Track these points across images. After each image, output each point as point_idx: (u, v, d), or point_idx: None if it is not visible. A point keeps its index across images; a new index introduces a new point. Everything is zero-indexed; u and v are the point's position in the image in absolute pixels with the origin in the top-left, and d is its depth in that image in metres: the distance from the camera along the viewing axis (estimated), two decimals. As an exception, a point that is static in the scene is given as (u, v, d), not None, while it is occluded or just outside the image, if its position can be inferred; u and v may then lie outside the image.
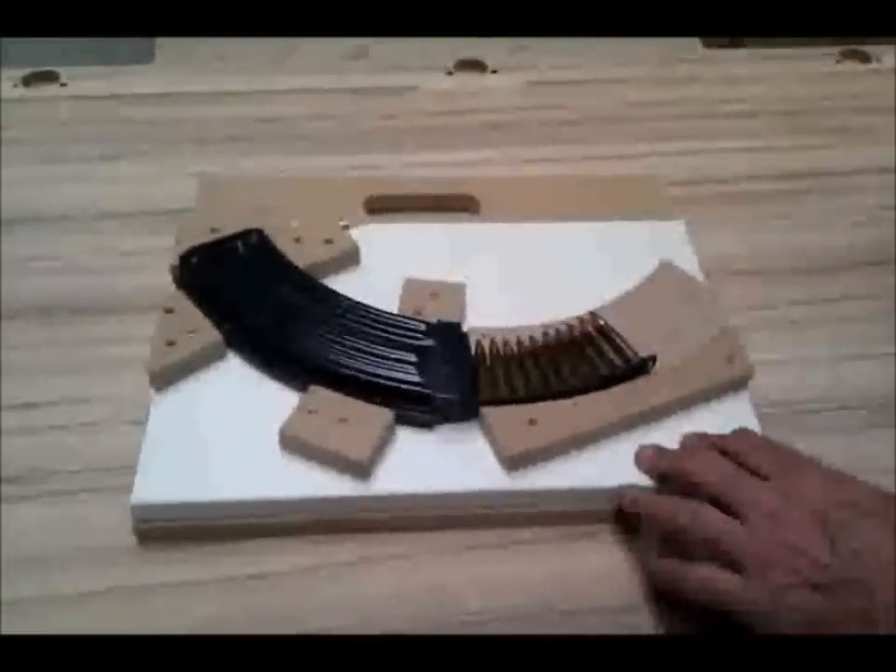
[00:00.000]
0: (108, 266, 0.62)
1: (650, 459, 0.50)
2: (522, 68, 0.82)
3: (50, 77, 0.78)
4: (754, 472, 0.46)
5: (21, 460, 0.52)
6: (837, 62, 0.85)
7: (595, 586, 0.48)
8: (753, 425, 0.52)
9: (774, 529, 0.42)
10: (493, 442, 0.50)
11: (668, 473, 0.48)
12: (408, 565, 0.48)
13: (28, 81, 0.78)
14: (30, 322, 0.59)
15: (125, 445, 0.51)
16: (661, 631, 0.46)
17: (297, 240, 0.59)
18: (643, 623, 0.47)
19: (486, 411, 0.51)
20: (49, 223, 0.65)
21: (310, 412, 0.50)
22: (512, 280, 0.60)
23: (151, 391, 0.52)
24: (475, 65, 0.82)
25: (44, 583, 0.47)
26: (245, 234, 0.59)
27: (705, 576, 0.43)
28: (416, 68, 0.81)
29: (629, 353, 0.54)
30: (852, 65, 0.85)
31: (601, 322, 0.55)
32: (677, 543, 0.46)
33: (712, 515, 0.44)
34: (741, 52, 0.85)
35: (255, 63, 0.81)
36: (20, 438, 0.53)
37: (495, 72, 0.82)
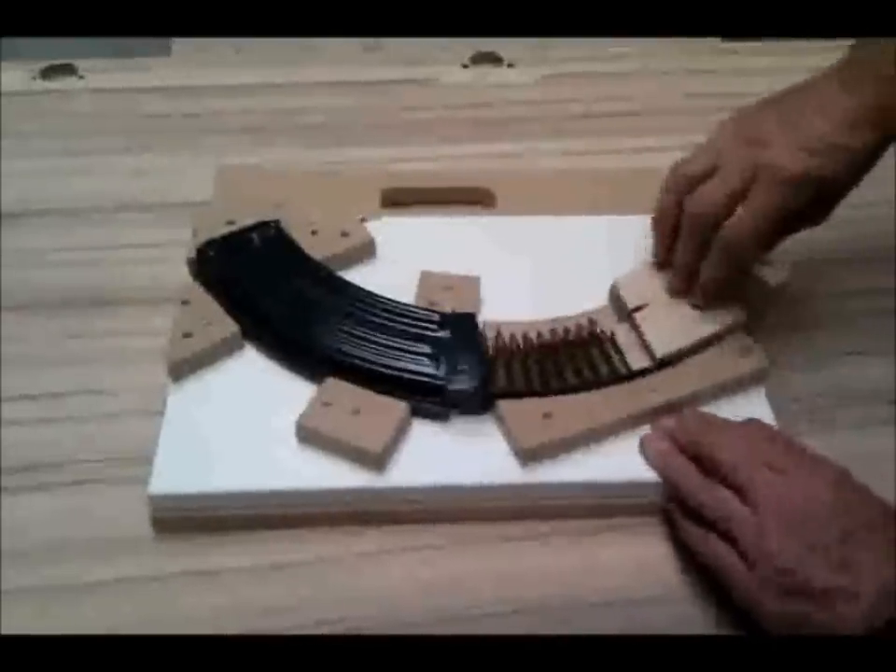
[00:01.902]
0: (126, 258, 0.63)
1: (667, 427, 0.51)
2: (538, 61, 0.82)
3: (68, 70, 0.79)
4: (768, 464, 0.46)
5: (36, 450, 0.52)
6: None
7: (609, 579, 0.48)
8: (769, 419, 0.52)
9: (782, 530, 0.43)
10: (508, 435, 0.50)
11: (690, 447, 0.49)
12: (423, 556, 0.49)
13: (46, 74, 0.78)
14: (48, 313, 0.59)
15: (142, 435, 0.51)
16: (677, 623, 0.47)
17: (313, 232, 0.59)
18: (659, 616, 0.47)
19: (501, 403, 0.51)
20: (67, 216, 0.66)
21: (326, 403, 0.50)
22: (528, 273, 0.60)
23: (168, 382, 0.53)
24: (491, 59, 0.83)
25: (58, 572, 0.47)
26: (261, 226, 0.59)
27: (715, 550, 0.45)
28: (433, 61, 0.81)
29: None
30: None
31: (598, 330, 0.55)
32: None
33: (730, 502, 0.45)
34: (758, 45, 0.84)
35: (272, 56, 0.81)
36: (36, 427, 0.53)
37: (511, 65, 0.82)
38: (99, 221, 0.65)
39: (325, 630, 0.46)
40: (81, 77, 0.78)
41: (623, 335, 0.55)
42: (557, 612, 0.47)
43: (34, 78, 0.78)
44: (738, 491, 0.45)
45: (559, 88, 0.80)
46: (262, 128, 0.74)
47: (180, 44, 0.81)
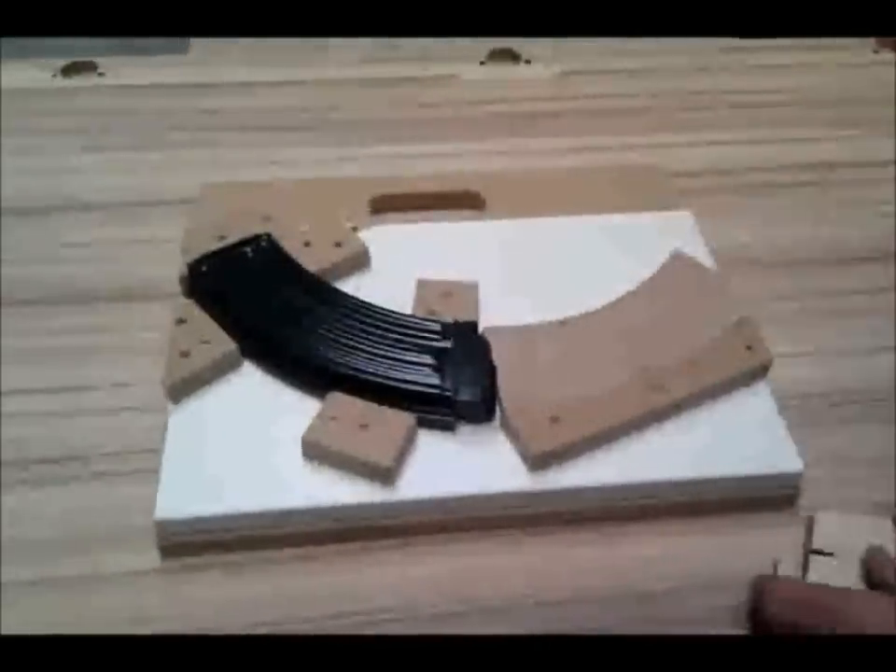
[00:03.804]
0: (144, 253, 0.63)
1: None
2: (555, 58, 0.82)
3: (88, 68, 0.80)
4: None
5: (49, 443, 0.52)
6: (874, 52, 0.84)
7: (623, 575, 0.48)
8: (773, 414, 0.52)
9: None
10: (516, 442, 0.50)
11: None
12: (437, 557, 0.48)
13: (67, 71, 0.79)
14: (65, 308, 0.59)
15: (155, 429, 0.51)
16: (691, 616, 0.47)
17: (306, 244, 0.59)
18: (674, 610, 0.47)
19: (508, 410, 0.51)
20: (85, 211, 0.66)
21: (331, 418, 0.50)
22: (523, 277, 0.59)
23: (168, 404, 0.52)
24: (509, 55, 0.83)
25: (70, 565, 0.47)
26: (253, 240, 0.58)
27: None
28: (450, 58, 0.82)
29: None
30: (890, 56, 0.84)
31: None
32: None
33: None
34: (776, 42, 0.84)
35: (288, 54, 0.82)
36: (49, 421, 0.53)
37: (528, 62, 0.82)
38: (117, 217, 0.66)
39: (341, 622, 0.46)
40: (101, 75, 0.79)
41: None
42: (571, 607, 0.47)
43: (53, 76, 0.79)
44: None
45: (576, 84, 0.80)
46: (278, 125, 0.75)
47: (197, 41, 0.82)
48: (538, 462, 0.49)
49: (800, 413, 0.53)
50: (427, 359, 0.52)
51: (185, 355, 0.52)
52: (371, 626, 0.45)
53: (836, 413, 0.55)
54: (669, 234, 0.62)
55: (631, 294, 0.57)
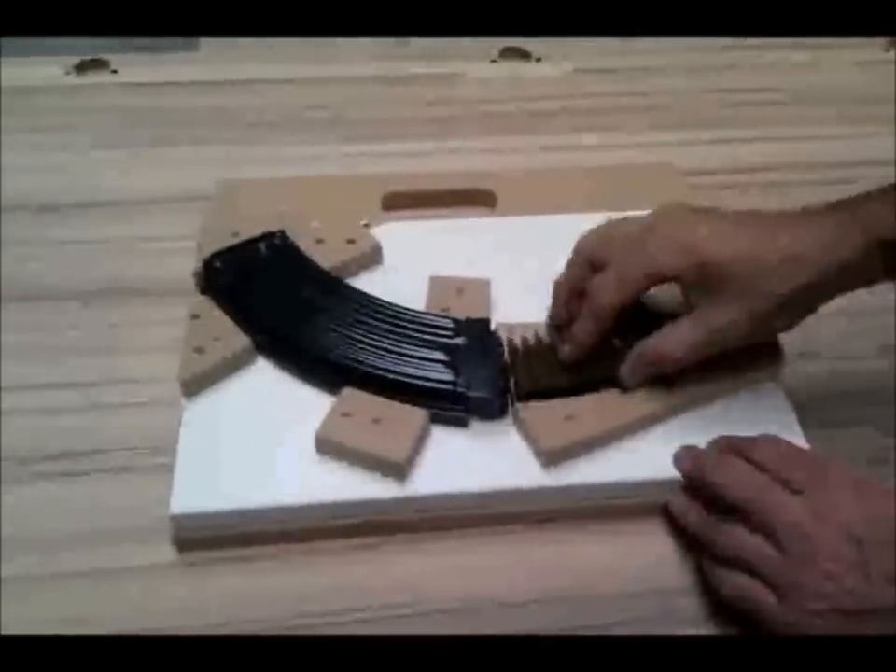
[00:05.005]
0: (155, 249, 0.63)
1: (679, 463, 0.49)
2: (565, 57, 0.82)
3: (101, 65, 0.80)
4: (784, 484, 0.44)
5: (67, 438, 0.52)
6: (886, 50, 0.84)
7: (635, 571, 0.48)
8: (787, 412, 0.52)
9: (806, 552, 0.41)
10: (529, 439, 0.50)
11: (697, 483, 0.47)
12: (448, 554, 0.49)
13: (80, 69, 0.80)
14: (79, 304, 0.60)
15: (169, 425, 0.51)
16: (704, 613, 0.46)
17: (319, 241, 0.59)
18: (686, 606, 0.47)
19: (521, 407, 0.51)
20: (97, 208, 0.67)
21: (344, 414, 0.50)
22: (535, 274, 0.59)
23: (182, 399, 0.52)
24: (519, 53, 0.83)
25: (87, 559, 0.47)
26: (267, 237, 0.58)
27: (739, 586, 0.43)
28: (461, 56, 0.82)
29: None
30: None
31: None
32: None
33: (744, 536, 0.44)
34: (786, 41, 0.84)
35: (299, 52, 0.82)
36: (66, 416, 0.53)
37: (539, 60, 0.82)
38: (129, 213, 0.66)
39: (347, 617, 0.46)
40: (114, 72, 0.80)
41: None
42: (580, 603, 0.47)
43: (67, 73, 0.80)
44: (757, 525, 0.43)
45: (587, 83, 0.80)
46: (289, 122, 0.75)
47: (208, 40, 0.82)
48: (550, 458, 0.49)
49: (805, 412, 0.53)
50: (440, 356, 0.52)
51: (199, 351, 0.53)
52: (377, 623, 0.46)
53: (842, 412, 0.55)
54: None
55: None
